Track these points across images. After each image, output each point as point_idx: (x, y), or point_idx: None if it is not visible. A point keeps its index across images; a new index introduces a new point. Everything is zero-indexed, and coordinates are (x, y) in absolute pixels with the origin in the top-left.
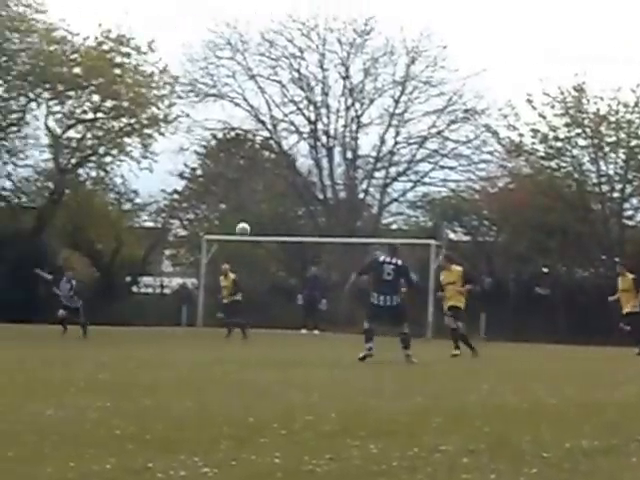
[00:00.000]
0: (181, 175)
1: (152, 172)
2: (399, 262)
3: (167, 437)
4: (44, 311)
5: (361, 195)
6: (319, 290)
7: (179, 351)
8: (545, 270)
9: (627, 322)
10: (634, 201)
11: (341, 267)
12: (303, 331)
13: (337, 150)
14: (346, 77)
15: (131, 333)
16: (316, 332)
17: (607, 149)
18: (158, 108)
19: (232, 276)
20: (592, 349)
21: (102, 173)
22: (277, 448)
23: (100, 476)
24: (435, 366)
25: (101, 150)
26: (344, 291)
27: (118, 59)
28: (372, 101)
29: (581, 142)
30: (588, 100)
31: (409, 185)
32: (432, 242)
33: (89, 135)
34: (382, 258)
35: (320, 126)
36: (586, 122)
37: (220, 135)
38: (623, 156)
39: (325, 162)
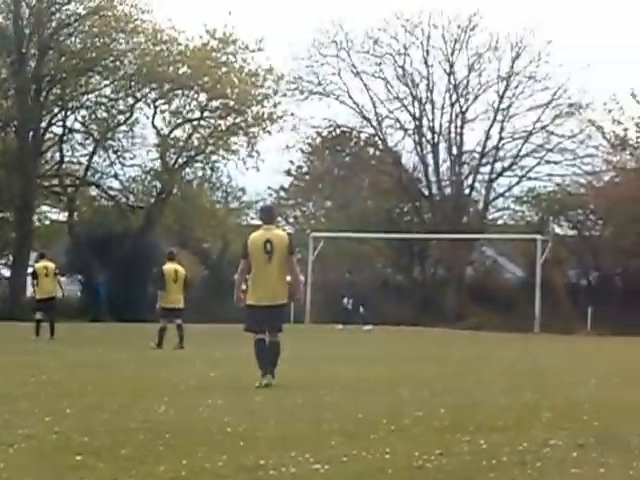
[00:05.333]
0: (287, 172)
1: (258, 170)
2: None
3: (278, 434)
4: (153, 310)
5: (467, 191)
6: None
7: (288, 348)
8: None
9: None
10: None
11: (448, 262)
12: (339, 326)
13: (442, 146)
14: (451, 73)
15: (240, 331)
16: (368, 327)
17: None
18: (263, 106)
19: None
20: None
21: (209, 172)
22: (387, 444)
23: (212, 473)
24: (543, 361)
25: (208, 149)
26: None
27: (224, 58)
28: (477, 97)
29: None
30: None
31: (514, 180)
32: (538, 237)
33: (196, 134)
34: None
35: (425, 122)
36: None
37: (325, 133)
38: None
39: (430, 158)
